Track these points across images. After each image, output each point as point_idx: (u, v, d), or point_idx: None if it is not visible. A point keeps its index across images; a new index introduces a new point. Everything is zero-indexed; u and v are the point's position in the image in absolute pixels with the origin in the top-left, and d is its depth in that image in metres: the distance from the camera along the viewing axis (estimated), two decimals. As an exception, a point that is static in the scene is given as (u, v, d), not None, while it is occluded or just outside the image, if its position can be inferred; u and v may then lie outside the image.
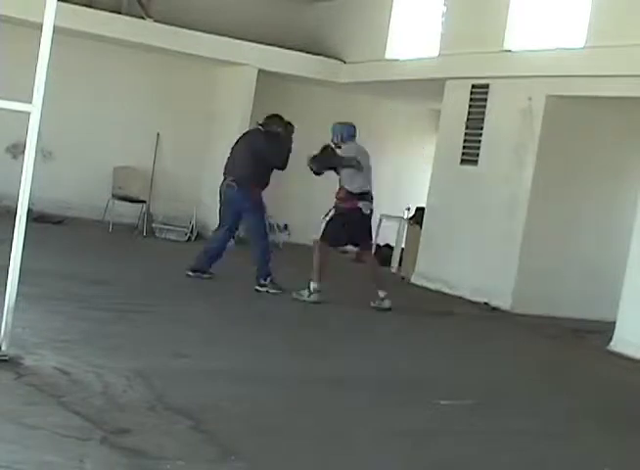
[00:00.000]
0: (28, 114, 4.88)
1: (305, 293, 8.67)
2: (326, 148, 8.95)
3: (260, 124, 9.29)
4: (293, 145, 9.14)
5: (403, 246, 12.58)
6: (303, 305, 8.57)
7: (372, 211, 8.91)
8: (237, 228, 9.59)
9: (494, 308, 10.02)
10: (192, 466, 3.86)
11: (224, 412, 4.70)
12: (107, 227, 12.30)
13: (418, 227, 11.79)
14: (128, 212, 12.90)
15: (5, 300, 4.98)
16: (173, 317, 7.20)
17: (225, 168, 9.27)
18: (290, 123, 9.20)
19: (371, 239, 9.54)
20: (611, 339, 8.39)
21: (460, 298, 10.46)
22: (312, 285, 8.67)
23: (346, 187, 8.76)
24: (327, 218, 8.79)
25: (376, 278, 9.11)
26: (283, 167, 9.06)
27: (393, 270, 12.52)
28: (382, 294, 8.84)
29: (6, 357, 4.91)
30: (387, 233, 13.22)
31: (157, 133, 13.53)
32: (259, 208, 9.09)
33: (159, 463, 3.77)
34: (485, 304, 10.16)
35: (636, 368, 7.80)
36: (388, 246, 13.27)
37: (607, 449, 5.12)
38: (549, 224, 10.10)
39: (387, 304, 8.81)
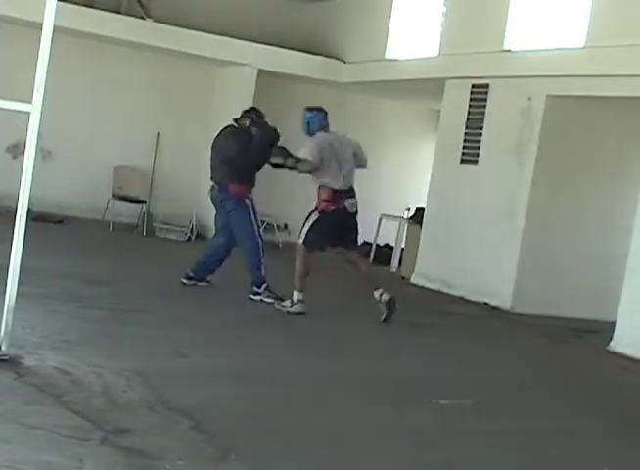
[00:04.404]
0: (28, 114, 4.89)
1: (288, 303, 8.01)
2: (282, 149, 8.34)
3: (235, 120, 8.81)
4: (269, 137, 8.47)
5: (403, 246, 12.58)
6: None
7: (357, 209, 8.19)
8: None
9: (494, 308, 10.02)
10: (192, 466, 3.86)
11: (224, 412, 4.71)
12: (107, 227, 12.30)
13: (418, 227, 11.78)
14: (128, 212, 12.90)
15: (5, 300, 4.98)
16: (173, 317, 7.20)
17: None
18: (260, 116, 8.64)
19: (357, 239, 8.54)
20: (611, 339, 8.39)
21: (460, 298, 10.46)
22: (295, 295, 7.99)
23: (330, 185, 8.01)
24: (310, 221, 8.06)
25: (370, 278, 8.39)
26: (254, 165, 8.60)
27: (393, 270, 12.53)
28: (377, 294, 8.11)
29: (6, 357, 4.91)
30: (387, 233, 13.23)
31: (157, 133, 13.53)
32: (240, 206, 8.58)
33: (159, 463, 3.78)
34: (485, 304, 10.16)
35: (636, 368, 7.79)
36: (388, 246, 13.28)
37: (607, 449, 5.12)
38: (549, 224, 10.10)
39: (385, 297, 8.04)
